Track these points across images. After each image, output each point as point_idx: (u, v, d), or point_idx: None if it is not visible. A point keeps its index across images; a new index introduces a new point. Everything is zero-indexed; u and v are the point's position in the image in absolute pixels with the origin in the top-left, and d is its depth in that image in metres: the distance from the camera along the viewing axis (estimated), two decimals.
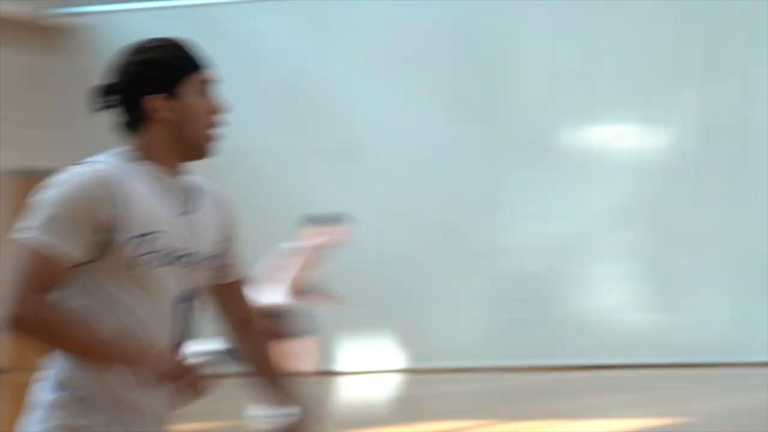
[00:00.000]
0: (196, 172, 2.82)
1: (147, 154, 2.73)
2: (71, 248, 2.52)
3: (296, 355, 9.03)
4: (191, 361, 2.63)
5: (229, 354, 3.35)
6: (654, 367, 14.27)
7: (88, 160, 2.68)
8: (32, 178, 9.98)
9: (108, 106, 2.74)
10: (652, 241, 15.01)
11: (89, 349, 2.54)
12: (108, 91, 2.72)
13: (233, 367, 3.35)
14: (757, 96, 14.72)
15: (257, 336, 3.01)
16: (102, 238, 2.55)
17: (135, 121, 2.74)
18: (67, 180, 2.59)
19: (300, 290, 9.49)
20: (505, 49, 15.31)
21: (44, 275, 2.50)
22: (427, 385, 13.86)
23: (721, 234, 14.64)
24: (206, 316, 2.84)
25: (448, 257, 15.15)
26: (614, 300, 14.86)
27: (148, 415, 2.66)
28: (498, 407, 12.03)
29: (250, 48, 15.55)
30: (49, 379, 2.64)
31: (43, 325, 2.52)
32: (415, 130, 15.28)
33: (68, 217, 2.53)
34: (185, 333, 2.74)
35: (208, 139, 2.78)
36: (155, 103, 2.73)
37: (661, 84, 15.05)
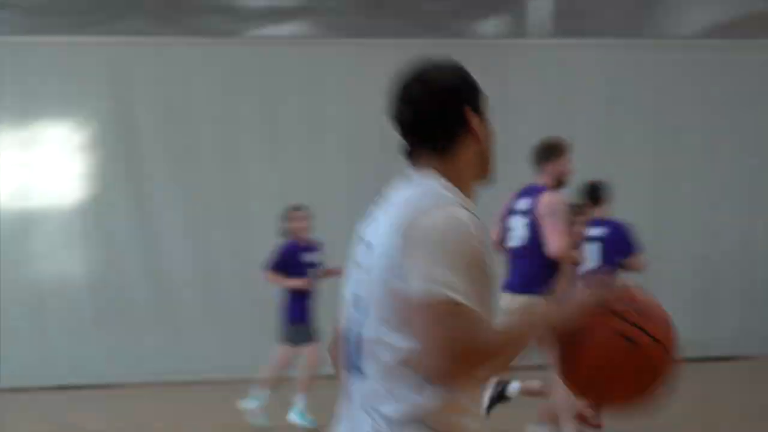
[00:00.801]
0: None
1: (456, 179, 2.74)
2: (472, 299, 2.59)
3: None
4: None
5: None
6: None
7: (429, 191, 2.71)
8: None
9: (414, 129, 2.78)
10: None
11: (522, 343, 2.68)
12: (417, 112, 2.75)
13: None
14: None
15: None
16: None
17: (445, 142, 2.75)
18: (457, 229, 2.62)
19: None
20: None
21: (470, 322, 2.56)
22: None
23: None
24: None
25: None
26: None
27: None
28: None
29: None
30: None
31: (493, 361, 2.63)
32: None
33: (473, 273, 2.59)
34: None
35: (494, 164, 2.85)
36: (474, 120, 2.76)
37: None
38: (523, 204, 7.94)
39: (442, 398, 2.62)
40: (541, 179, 7.99)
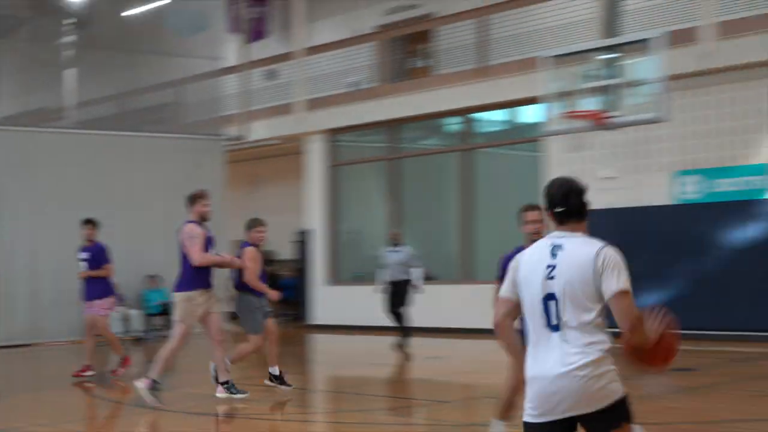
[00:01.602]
0: None
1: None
2: None
3: None
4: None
5: None
6: None
7: (588, 238, 5.09)
8: None
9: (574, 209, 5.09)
10: None
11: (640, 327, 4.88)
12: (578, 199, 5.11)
13: None
14: None
15: None
16: None
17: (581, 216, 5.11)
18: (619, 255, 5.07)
19: None
20: None
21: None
22: None
23: None
24: None
25: None
26: None
27: None
28: None
29: None
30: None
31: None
32: None
33: None
34: None
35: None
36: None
37: None
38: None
39: (610, 340, 4.89)
40: (190, 216, 11.94)
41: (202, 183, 24.03)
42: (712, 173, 18.01)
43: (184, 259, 11.71)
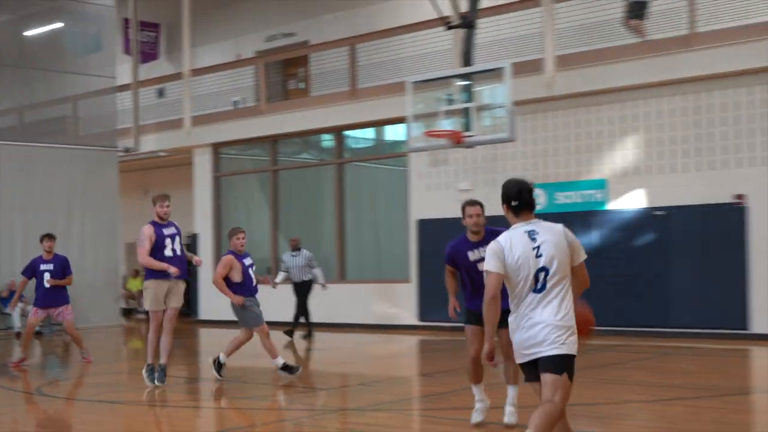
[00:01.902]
0: None
1: None
2: None
3: None
4: None
5: None
6: None
7: (549, 223, 6.07)
8: None
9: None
10: None
11: None
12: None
13: None
14: None
15: None
16: None
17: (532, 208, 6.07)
18: None
19: None
20: None
21: None
22: None
23: None
24: None
25: None
26: None
27: None
28: None
29: None
30: None
31: None
32: None
33: None
34: None
35: None
36: None
37: None
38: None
39: None
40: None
41: (98, 191, 23.90)
42: (556, 187, 18.42)
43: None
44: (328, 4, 24.91)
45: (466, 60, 16.73)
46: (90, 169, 24.11)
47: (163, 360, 11.92)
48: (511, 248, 5.85)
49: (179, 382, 13.14)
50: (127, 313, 27.51)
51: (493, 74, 15.95)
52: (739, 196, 16.37)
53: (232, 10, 27.04)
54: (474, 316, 8.52)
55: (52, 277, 15.08)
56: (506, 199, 6.04)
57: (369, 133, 22.77)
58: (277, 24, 26.07)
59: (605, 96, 17.86)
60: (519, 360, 5.94)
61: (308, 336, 18.78)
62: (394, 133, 21.83)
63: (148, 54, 28.05)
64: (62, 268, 15.22)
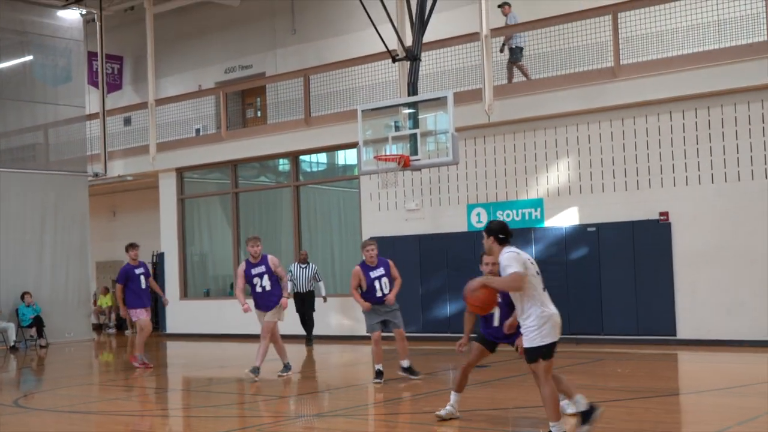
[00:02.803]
0: None
1: None
2: None
3: None
4: None
5: None
6: None
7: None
8: None
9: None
10: None
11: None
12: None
13: None
14: None
15: None
16: None
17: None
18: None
19: None
20: None
21: None
22: None
23: None
24: None
25: None
26: None
27: None
28: None
29: None
30: None
31: None
32: None
33: None
34: None
35: None
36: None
37: None
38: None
39: None
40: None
41: (69, 213, 23.61)
42: (497, 206, 18.49)
43: None
44: (282, 38, 24.89)
45: (412, 89, 16.77)
46: (61, 193, 23.82)
47: (285, 359, 13.51)
48: (529, 262, 7.61)
49: (149, 392, 12.95)
50: (98, 328, 27.11)
51: (436, 103, 16.02)
52: (664, 213, 16.56)
53: (193, 43, 26.89)
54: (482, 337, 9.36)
55: (145, 278, 15.62)
56: (494, 233, 7.75)
57: (323, 157, 22.70)
58: (235, 57, 25.96)
59: (540, 122, 18.00)
60: (553, 340, 7.48)
61: (310, 343, 19.17)
62: (346, 157, 21.82)
63: (112, 84, 27.80)
64: (149, 272, 15.95)
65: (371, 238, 13.22)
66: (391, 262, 12.73)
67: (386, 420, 10.05)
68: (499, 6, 18.76)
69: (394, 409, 10.62)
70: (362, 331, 20.20)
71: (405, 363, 12.61)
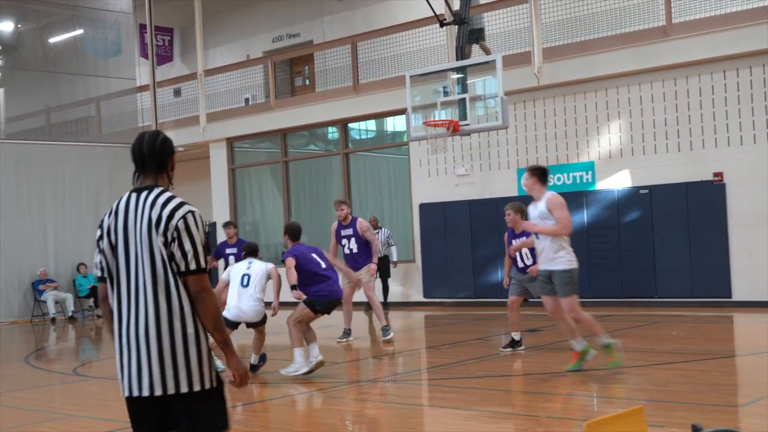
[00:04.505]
0: None
1: None
2: None
3: None
4: None
5: None
6: None
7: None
8: None
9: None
10: None
11: None
12: None
13: None
14: None
15: None
16: None
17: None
18: None
19: None
20: None
21: None
22: None
23: None
24: None
25: None
26: None
27: None
28: None
29: None
30: None
31: None
32: None
33: None
34: None
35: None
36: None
37: None
38: None
39: None
40: None
41: (122, 185, 23.81)
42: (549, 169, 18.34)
43: None
44: (329, 6, 24.82)
45: (460, 54, 16.63)
46: (115, 165, 24.08)
47: (348, 325, 13.63)
48: None
49: None
50: None
51: (485, 67, 15.87)
52: (718, 174, 16.31)
53: (240, 14, 26.93)
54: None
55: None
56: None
57: (371, 124, 22.69)
58: (282, 26, 25.96)
59: (590, 84, 17.78)
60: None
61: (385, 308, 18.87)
62: (394, 124, 21.77)
63: (163, 57, 27.97)
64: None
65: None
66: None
67: (438, 385, 10.07)
68: None
69: (443, 374, 10.63)
70: (411, 297, 20.34)
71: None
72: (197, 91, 24.34)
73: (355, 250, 13.40)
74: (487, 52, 18.08)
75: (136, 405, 4.02)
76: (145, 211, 3.97)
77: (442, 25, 17.55)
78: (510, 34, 18.87)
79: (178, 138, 25.22)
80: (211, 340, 4.00)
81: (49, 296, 22.02)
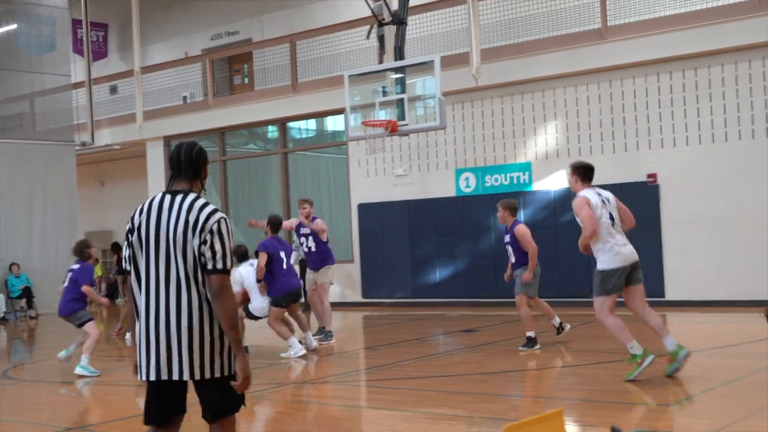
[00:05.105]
0: None
1: None
2: None
3: None
4: None
5: None
6: None
7: None
8: None
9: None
10: None
11: None
12: None
13: None
14: None
15: None
16: None
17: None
18: None
19: None
20: None
21: None
22: None
23: None
24: None
25: None
26: None
27: None
28: None
29: None
30: None
31: None
32: None
33: None
34: None
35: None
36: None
37: None
38: None
39: None
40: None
41: (57, 183, 23.52)
42: (485, 170, 18.50)
43: None
44: (268, 4, 24.74)
45: (399, 54, 16.68)
46: (49, 163, 23.76)
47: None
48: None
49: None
50: None
51: (423, 67, 15.92)
52: (652, 175, 16.58)
53: (178, 10, 26.70)
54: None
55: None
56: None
57: (311, 123, 22.67)
58: (221, 23, 25.81)
59: (527, 85, 17.96)
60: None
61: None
62: (334, 123, 21.77)
63: (97, 53, 27.63)
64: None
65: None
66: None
67: (375, 386, 10.10)
68: None
69: (380, 375, 10.67)
70: (348, 297, 20.34)
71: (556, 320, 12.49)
72: (134, 89, 24.09)
73: (313, 249, 13.41)
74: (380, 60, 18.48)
75: (161, 388, 4.45)
76: (181, 213, 4.40)
77: (381, 24, 17.58)
78: (448, 35, 18.97)
79: (114, 136, 24.96)
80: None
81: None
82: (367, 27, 18.89)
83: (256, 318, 12.27)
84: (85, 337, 11.70)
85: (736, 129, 15.85)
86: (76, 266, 11.83)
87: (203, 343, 4.32)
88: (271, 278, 11.99)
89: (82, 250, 11.83)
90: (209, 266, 4.32)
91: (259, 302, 12.15)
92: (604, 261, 8.99)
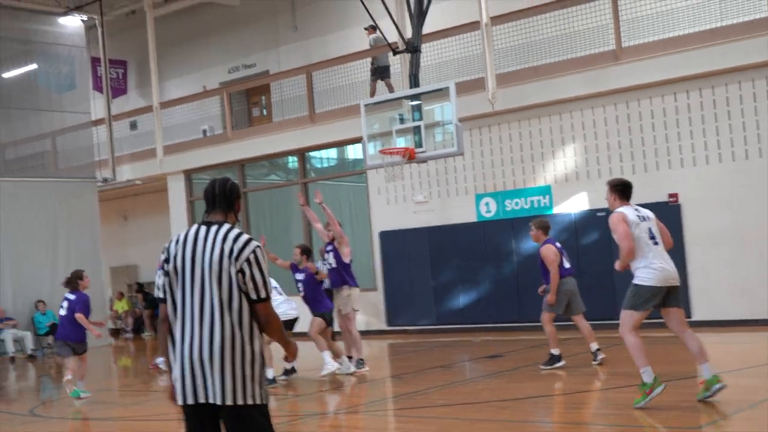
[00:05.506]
0: None
1: None
2: None
3: None
4: None
5: None
6: None
7: None
8: None
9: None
10: None
11: None
12: None
13: None
14: None
15: None
16: None
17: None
18: None
19: None
20: None
21: None
22: None
23: None
24: None
25: None
26: None
27: None
28: None
29: None
30: None
31: None
32: None
33: None
34: None
35: None
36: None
37: None
38: None
39: None
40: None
41: (79, 219, 23.70)
42: (505, 195, 18.50)
43: None
44: (284, 36, 24.92)
45: (414, 81, 16.77)
46: (71, 200, 23.94)
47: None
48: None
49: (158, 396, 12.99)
50: (115, 332, 27.23)
51: (439, 94, 16.01)
52: (673, 195, 16.54)
53: (195, 45, 26.94)
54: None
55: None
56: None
57: (331, 153, 22.77)
58: (238, 56, 26.02)
59: (544, 108, 17.99)
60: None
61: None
62: (352, 152, 21.85)
63: (117, 89, 27.88)
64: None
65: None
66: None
67: (401, 416, 10.08)
68: (365, 28, 19.53)
69: (405, 404, 10.66)
70: (373, 325, 20.32)
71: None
72: (153, 124, 24.29)
73: (333, 265, 13.28)
74: (390, 89, 18.55)
75: (199, 415, 4.57)
76: (216, 243, 4.59)
77: (395, 53, 17.69)
78: (463, 61, 19.05)
79: (134, 171, 25.15)
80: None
81: (8, 335, 21.78)
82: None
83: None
84: (78, 364, 12.40)
85: (756, 146, 15.80)
86: (71, 296, 12.19)
87: (234, 369, 4.46)
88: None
89: (73, 281, 12.28)
90: (253, 296, 4.54)
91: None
92: (641, 277, 8.83)
